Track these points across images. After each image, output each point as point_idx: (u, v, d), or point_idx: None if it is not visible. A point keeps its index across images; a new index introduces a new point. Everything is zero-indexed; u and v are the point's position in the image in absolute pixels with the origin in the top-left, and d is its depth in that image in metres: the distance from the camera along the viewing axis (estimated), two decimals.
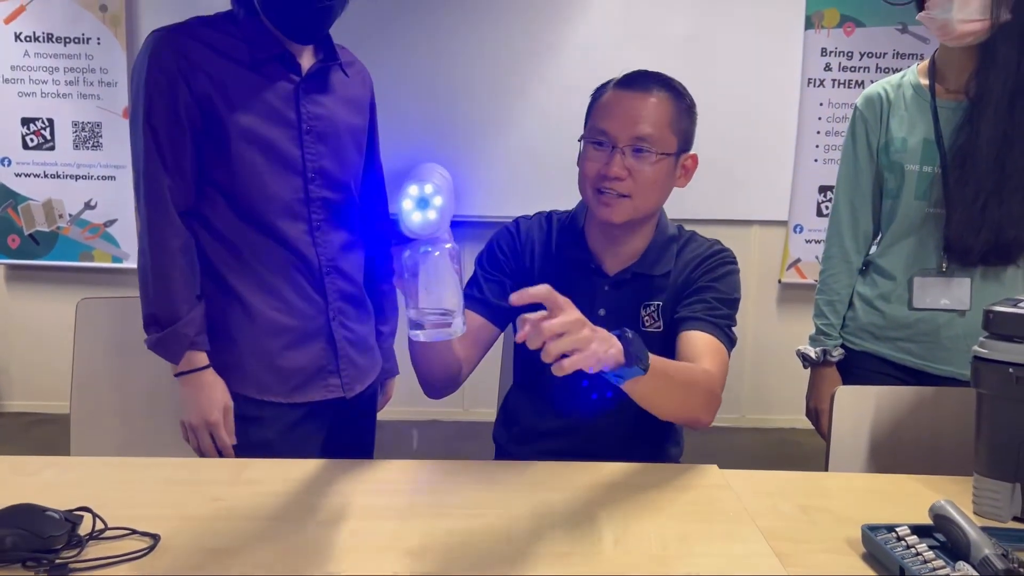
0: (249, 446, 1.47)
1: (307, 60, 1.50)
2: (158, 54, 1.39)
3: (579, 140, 1.35)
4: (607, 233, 1.37)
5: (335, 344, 1.53)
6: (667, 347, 1.32)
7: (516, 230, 1.45)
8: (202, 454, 1.46)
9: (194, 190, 1.44)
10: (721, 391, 1.27)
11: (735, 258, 1.41)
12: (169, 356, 1.42)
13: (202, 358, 1.44)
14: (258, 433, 1.47)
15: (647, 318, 1.37)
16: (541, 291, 0.97)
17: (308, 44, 1.49)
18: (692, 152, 1.38)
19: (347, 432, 1.62)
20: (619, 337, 1.02)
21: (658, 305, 1.37)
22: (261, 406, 1.48)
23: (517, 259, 1.43)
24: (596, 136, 1.32)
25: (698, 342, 1.30)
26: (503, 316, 1.40)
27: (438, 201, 0.89)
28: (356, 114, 1.58)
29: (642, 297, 1.38)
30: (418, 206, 0.85)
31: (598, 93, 1.37)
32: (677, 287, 1.37)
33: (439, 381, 1.31)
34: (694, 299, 1.35)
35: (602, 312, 1.37)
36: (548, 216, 1.47)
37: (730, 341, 1.34)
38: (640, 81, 1.33)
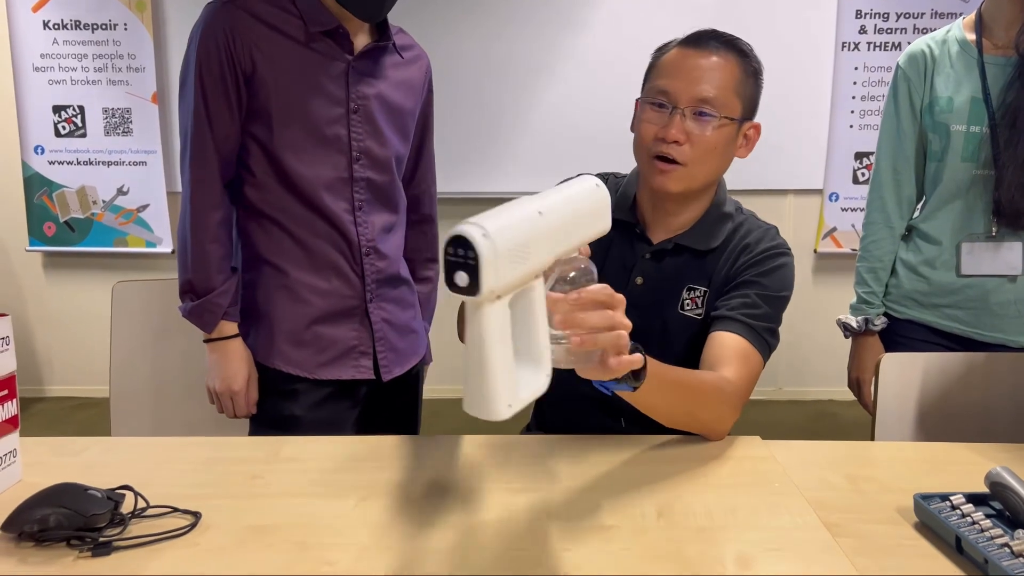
0: (279, 420, 1.48)
1: (361, 40, 1.48)
2: (209, 28, 1.38)
3: (636, 100, 1.29)
4: (658, 202, 1.31)
5: (371, 325, 1.52)
6: (704, 335, 1.26)
7: None
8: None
9: (235, 164, 1.45)
10: (742, 401, 1.20)
11: (789, 249, 1.32)
12: (202, 325, 1.45)
13: (232, 327, 1.47)
14: (288, 407, 1.47)
15: (690, 301, 1.30)
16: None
17: (371, 22, 1.47)
18: (756, 120, 1.30)
19: (388, 414, 1.61)
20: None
21: (704, 291, 1.30)
22: (290, 380, 1.48)
23: None
24: (655, 96, 1.24)
25: (727, 345, 1.21)
26: None
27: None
28: (407, 97, 1.55)
29: (683, 274, 1.31)
30: None
31: (660, 52, 1.30)
32: (722, 276, 1.29)
33: None
34: (736, 294, 1.26)
35: (639, 280, 1.32)
36: (605, 178, 1.40)
37: (767, 346, 1.25)
38: (705, 41, 1.25)
